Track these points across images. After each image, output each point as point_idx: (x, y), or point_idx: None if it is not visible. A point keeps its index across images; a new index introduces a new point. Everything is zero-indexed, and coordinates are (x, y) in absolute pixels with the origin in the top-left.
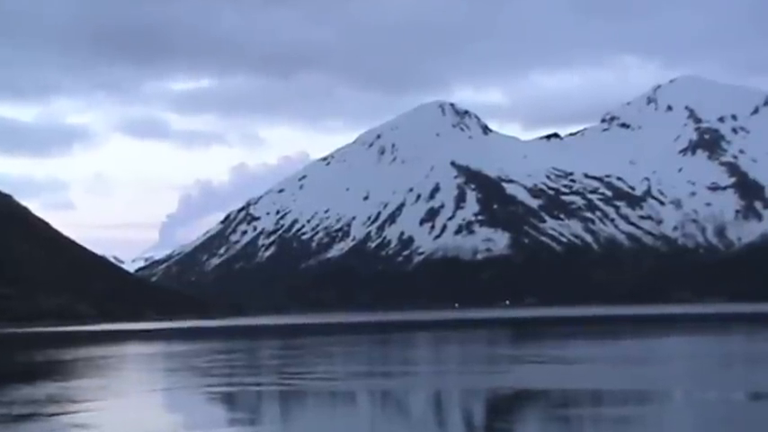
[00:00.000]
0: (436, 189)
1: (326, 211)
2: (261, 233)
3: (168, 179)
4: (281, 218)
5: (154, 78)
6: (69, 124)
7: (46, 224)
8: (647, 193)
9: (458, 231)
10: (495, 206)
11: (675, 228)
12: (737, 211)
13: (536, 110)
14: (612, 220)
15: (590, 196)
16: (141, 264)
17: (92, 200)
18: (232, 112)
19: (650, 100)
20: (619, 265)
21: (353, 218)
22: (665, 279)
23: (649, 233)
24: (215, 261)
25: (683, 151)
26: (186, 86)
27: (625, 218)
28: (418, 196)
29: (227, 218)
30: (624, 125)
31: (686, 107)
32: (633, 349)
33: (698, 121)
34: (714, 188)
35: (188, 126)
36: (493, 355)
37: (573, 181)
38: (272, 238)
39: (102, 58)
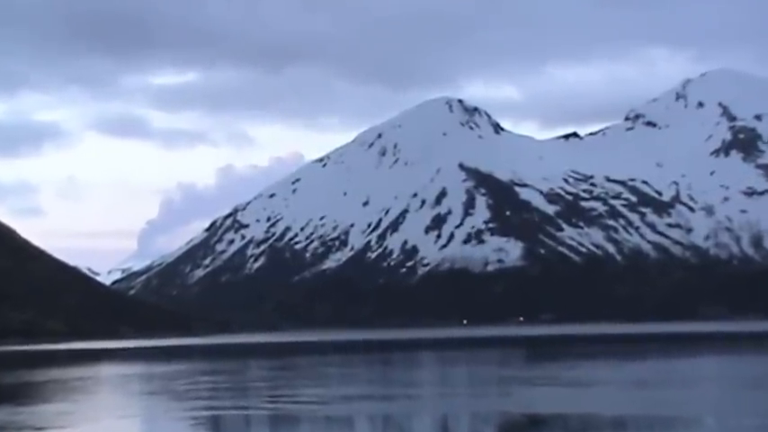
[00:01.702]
0: (443, 194)
1: (322, 218)
2: (249, 242)
3: (148, 182)
4: (272, 225)
5: (133, 72)
6: (39, 121)
7: (12, 231)
8: (676, 198)
9: (466, 241)
10: (508, 213)
11: (707, 237)
12: None
13: (553, 107)
14: (637, 229)
15: (612, 202)
16: (118, 275)
17: (63, 205)
18: (218, 109)
19: (679, 96)
20: (644, 278)
21: (352, 225)
22: (696, 294)
23: (678, 243)
24: (199, 273)
25: (716, 152)
26: (169, 81)
27: (651, 226)
28: (423, 202)
29: (212, 225)
30: (650, 124)
31: (719, 104)
32: (658, 371)
33: (732, 118)
34: (750, 193)
35: (170, 124)
36: (503, 377)
37: (593, 185)
38: (262, 247)
39: (76, 49)
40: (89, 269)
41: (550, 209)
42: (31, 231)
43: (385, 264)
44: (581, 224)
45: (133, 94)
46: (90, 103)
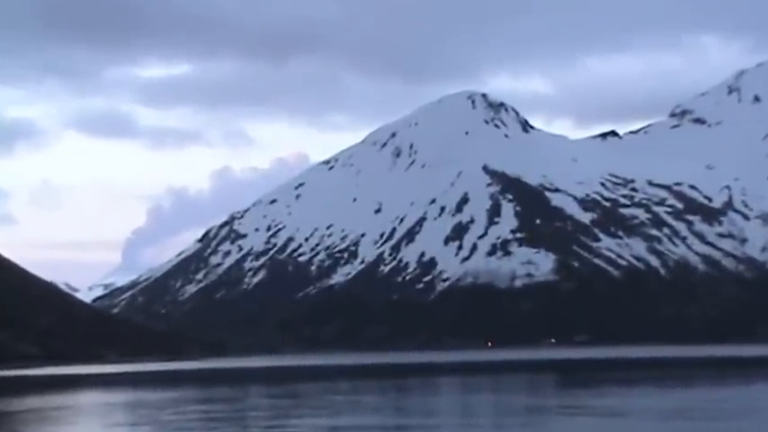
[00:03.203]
0: (464, 200)
1: (329, 227)
2: (248, 254)
3: (134, 187)
4: (273, 235)
5: (117, 63)
6: (11, 118)
7: None
8: (728, 205)
9: (491, 252)
10: (538, 221)
11: (764, 249)
12: None
13: (589, 102)
14: (684, 239)
15: (656, 209)
16: (100, 292)
17: (38, 213)
18: (214, 106)
19: (732, 89)
20: (692, 295)
21: (362, 235)
22: (751, 312)
23: (730, 255)
24: (191, 289)
25: None
26: (158, 73)
27: (700, 236)
28: (442, 209)
29: (205, 235)
30: (699, 120)
31: None
32: (707, 401)
33: None
34: None
35: (159, 122)
36: (532, 406)
37: (634, 190)
38: (262, 260)
39: (54, 38)
40: (67, 285)
41: (586, 217)
42: (0, 242)
43: (399, 278)
44: (620, 234)
45: (117, 89)
46: (68, 98)
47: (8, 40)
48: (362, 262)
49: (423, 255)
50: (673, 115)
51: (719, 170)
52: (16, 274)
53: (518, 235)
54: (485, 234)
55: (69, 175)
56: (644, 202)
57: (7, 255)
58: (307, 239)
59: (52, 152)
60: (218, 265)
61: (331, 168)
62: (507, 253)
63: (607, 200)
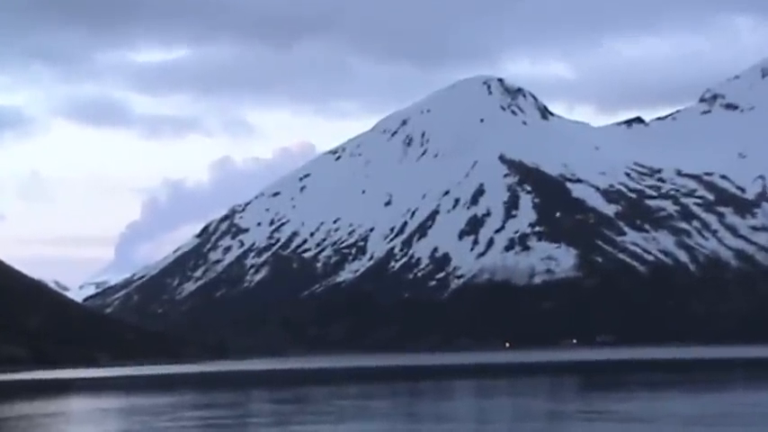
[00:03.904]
0: (480, 192)
1: (336, 221)
2: (249, 250)
3: (128, 179)
4: (276, 230)
5: (110, 47)
6: None
7: None
8: (762, 196)
9: (509, 247)
10: (558, 214)
11: None
12: None
13: (613, 87)
14: (715, 233)
15: (684, 200)
16: (91, 291)
17: (26, 207)
18: (213, 92)
19: (766, 73)
20: (723, 291)
21: (371, 229)
22: None
23: (764, 249)
24: (189, 287)
25: None
26: (153, 58)
27: (732, 229)
28: (456, 201)
29: (204, 230)
30: (730, 106)
31: None
32: (738, 405)
33: None
34: None
35: (155, 110)
36: (552, 411)
37: (662, 180)
38: (265, 256)
39: (41, 19)
40: (57, 283)
41: (609, 209)
42: None
43: (411, 275)
44: (646, 227)
45: (110, 74)
46: (57, 84)
47: None
48: (371, 258)
49: (435, 250)
50: (702, 100)
51: (752, 159)
52: (2, 272)
53: (537, 229)
54: (502, 228)
55: (59, 167)
56: (672, 193)
57: None
58: (312, 234)
59: (40, 142)
60: (218, 261)
61: (338, 158)
62: (526, 248)
63: (632, 191)
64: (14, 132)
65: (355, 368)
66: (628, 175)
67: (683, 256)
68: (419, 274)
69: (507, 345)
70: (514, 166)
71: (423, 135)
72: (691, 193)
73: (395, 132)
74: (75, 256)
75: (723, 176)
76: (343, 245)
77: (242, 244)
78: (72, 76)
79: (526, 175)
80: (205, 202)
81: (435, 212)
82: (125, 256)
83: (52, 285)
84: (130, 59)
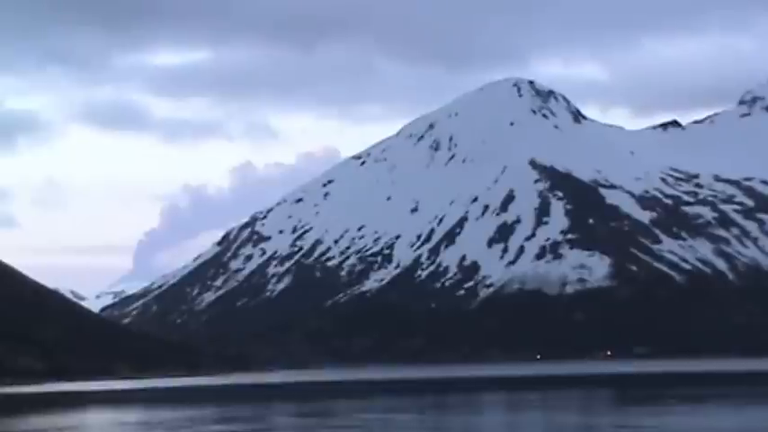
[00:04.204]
0: (510, 198)
1: (360, 229)
2: (271, 258)
3: (147, 185)
4: (299, 237)
5: (128, 49)
6: (11, 110)
7: None
8: None
9: (540, 255)
10: (592, 221)
11: None
12: None
13: (648, 89)
14: (755, 240)
15: (723, 207)
16: (109, 300)
17: (42, 214)
18: (234, 96)
19: None
20: (764, 301)
21: (397, 237)
22: None
23: None
24: (209, 297)
25: None
26: (172, 60)
27: None
28: (485, 208)
29: (225, 237)
30: None
31: None
32: None
33: None
34: None
35: (174, 114)
36: (584, 426)
37: (699, 186)
38: (287, 264)
39: (57, 21)
40: (73, 293)
41: (645, 216)
42: (0, 246)
43: (438, 285)
44: (683, 235)
45: (128, 77)
46: (74, 88)
47: (7, 25)
48: (397, 266)
49: (464, 258)
50: (742, 103)
51: None
52: (17, 282)
53: (569, 236)
54: (532, 235)
55: (75, 173)
56: (710, 199)
57: (7, 260)
58: (336, 242)
59: (56, 147)
60: (239, 270)
61: (363, 163)
62: (557, 256)
63: (668, 197)
64: (30, 138)
65: (380, 381)
66: (664, 180)
67: (721, 265)
68: (447, 284)
69: (538, 357)
70: (546, 172)
71: (450, 139)
72: (729, 199)
73: (421, 137)
74: (91, 264)
75: (763, 182)
76: (368, 253)
77: (263, 252)
78: (89, 80)
79: (558, 180)
80: (226, 209)
81: (463, 219)
82: (143, 264)
83: (68, 295)
84: (149, 62)
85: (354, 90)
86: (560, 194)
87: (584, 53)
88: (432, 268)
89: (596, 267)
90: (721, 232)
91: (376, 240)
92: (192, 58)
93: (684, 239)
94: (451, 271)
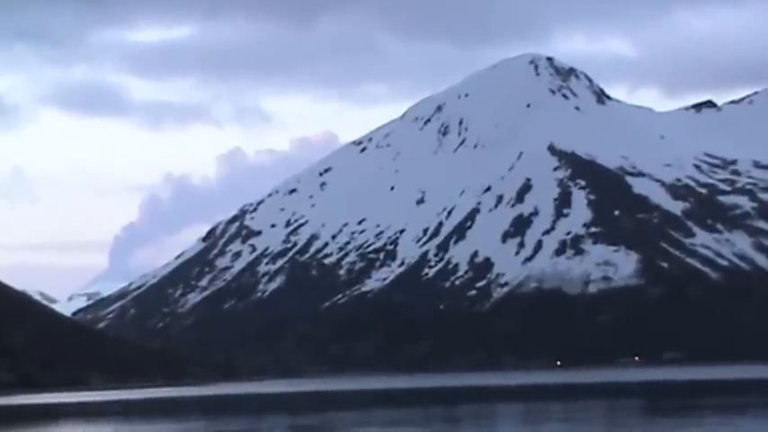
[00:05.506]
0: (526, 187)
1: (361, 222)
2: (262, 255)
3: (125, 175)
4: (293, 232)
5: (105, 25)
6: None
7: None
8: None
9: (560, 251)
10: (617, 213)
11: None
12: None
13: (680, 66)
14: None
15: (763, 196)
16: (82, 303)
17: (7, 208)
18: (222, 76)
19: None
20: None
21: (402, 231)
22: None
23: None
24: (193, 298)
25: None
26: (153, 37)
27: None
28: (499, 198)
29: (211, 232)
30: None
31: None
32: None
33: None
34: None
35: (156, 96)
36: None
37: (737, 173)
38: (280, 262)
39: None
40: (42, 294)
41: (676, 207)
42: None
43: (447, 284)
44: (719, 227)
45: (105, 56)
46: (45, 67)
47: None
48: (402, 264)
49: (475, 255)
50: None
51: None
52: None
53: (592, 230)
54: (551, 229)
55: (45, 162)
56: (748, 187)
57: None
58: (334, 237)
59: (25, 134)
60: (227, 269)
61: (363, 150)
62: (579, 252)
63: (703, 185)
64: None
65: (384, 390)
66: (697, 167)
67: (761, 260)
68: (456, 283)
69: (558, 363)
70: (566, 158)
71: (460, 123)
72: None
73: (428, 120)
74: (63, 263)
75: None
76: (370, 249)
77: (254, 249)
78: (61, 59)
79: (580, 168)
80: (212, 201)
81: (475, 211)
82: (120, 263)
83: (37, 297)
84: (128, 38)
85: (354, 69)
86: (582, 183)
87: (609, 27)
88: (440, 266)
89: (622, 264)
90: (761, 224)
91: (378, 235)
92: (175, 35)
93: (720, 232)
94: (462, 269)
